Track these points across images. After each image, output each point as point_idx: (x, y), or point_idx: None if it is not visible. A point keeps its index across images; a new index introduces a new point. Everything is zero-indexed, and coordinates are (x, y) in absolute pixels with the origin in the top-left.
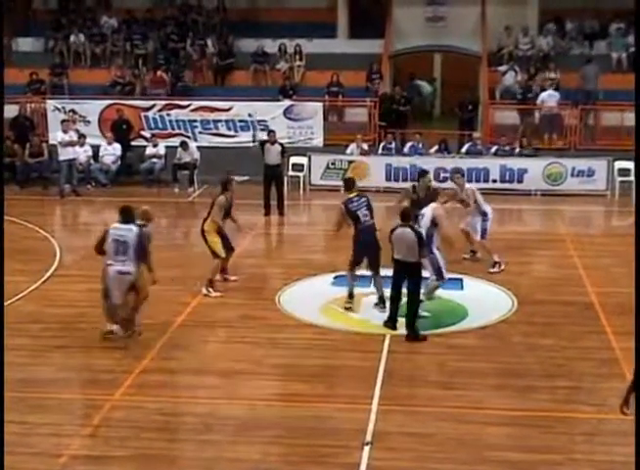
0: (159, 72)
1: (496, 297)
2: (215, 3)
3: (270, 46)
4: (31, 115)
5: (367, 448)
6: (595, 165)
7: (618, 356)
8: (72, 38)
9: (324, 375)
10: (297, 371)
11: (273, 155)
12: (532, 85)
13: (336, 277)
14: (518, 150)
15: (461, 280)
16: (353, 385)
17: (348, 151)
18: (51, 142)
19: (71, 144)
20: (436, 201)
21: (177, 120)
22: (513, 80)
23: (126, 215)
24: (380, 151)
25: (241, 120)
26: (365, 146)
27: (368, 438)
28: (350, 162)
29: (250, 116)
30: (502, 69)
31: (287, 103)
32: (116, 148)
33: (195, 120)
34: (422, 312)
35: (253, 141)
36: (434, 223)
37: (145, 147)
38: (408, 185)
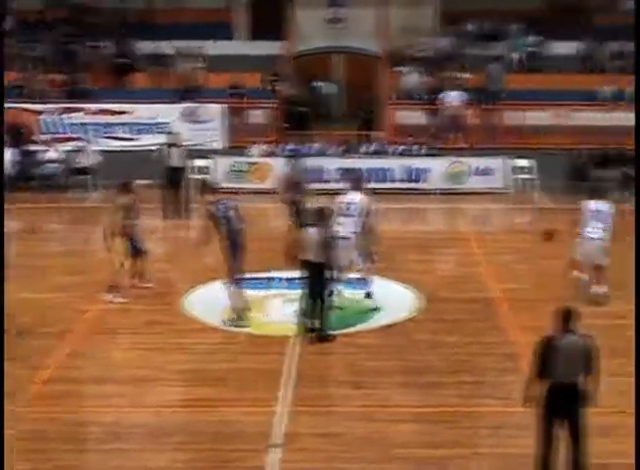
0: (55, 75)
1: (403, 295)
2: (112, 4)
3: (169, 48)
4: None
5: (274, 451)
6: (495, 164)
7: (520, 351)
8: None
9: (230, 379)
10: (202, 376)
11: (176, 158)
12: (434, 85)
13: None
14: (422, 150)
15: (367, 280)
16: (260, 387)
17: (251, 153)
18: None
19: None
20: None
21: (75, 124)
22: (413, 81)
23: None
24: (282, 152)
25: (141, 124)
26: (267, 148)
27: (276, 440)
28: (252, 163)
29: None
30: (403, 69)
31: (187, 105)
32: (13, 153)
33: (93, 124)
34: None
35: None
36: (364, 213)
37: (41, 152)
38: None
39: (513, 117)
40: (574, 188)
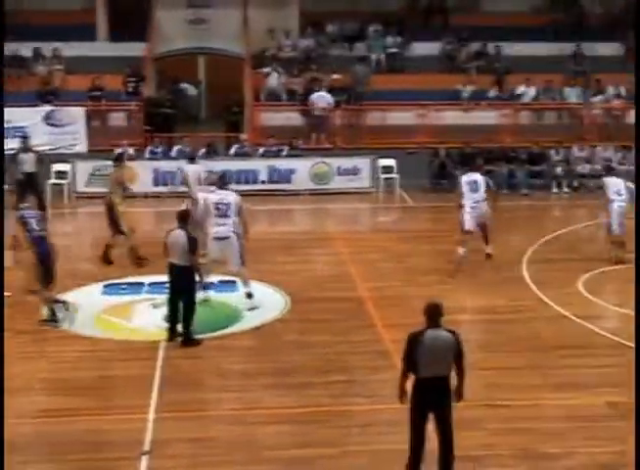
0: None
1: (270, 297)
2: None
3: (25, 50)
4: None
5: (145, 458)
6: (359, 164)
7: (389, 348)
8: None
9: (98, 387)
10: (70, 384)
11: (29, 163)
12: (299, 86)
13: (106, 286)
14: (284, 151)
15: (235, 282)
16: (129, 394)
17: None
18: None
19: None
20: None
21: None
22: (276, 82)
23: None
24: (147, 155)
25: None
26: (132, 151)
27: (146, 447)
28: None
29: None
30: (265, 70)
31: (47, 108)
32: None
33: None
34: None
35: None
36: (238, 212)
37: None
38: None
39: (376, 117)
40: (436, 187)
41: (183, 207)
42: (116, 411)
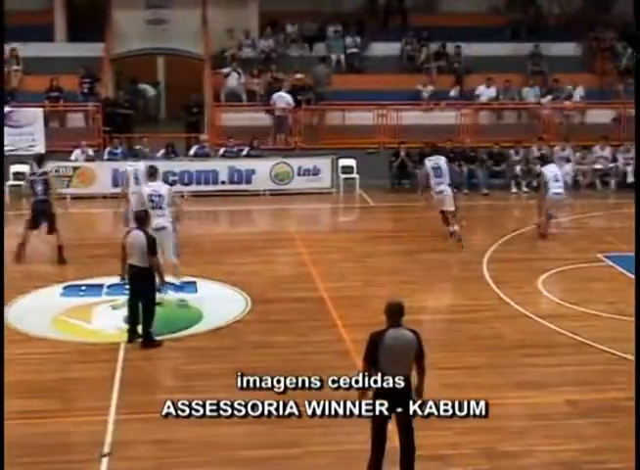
0: None
1: (230, 297)
2: None
3: None
4: None
5: (105, 460)
6: (320, 164)
7: (350, 348)
8: None
9: (59, 389)
10: (30, 387)
11: None
12: (255, 87)
13: (65, 288)
14: (244, 151)
15: (195, 283)
16: (90, 397)
17: (73, 157)
18: None
19: None
20: None
21: None
22: (236, 82)
23: None
24: (106, 156)
25: None
26: (90, 151)
27: (106, 449)
28: (76, 168)
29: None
30: (224, 71)
31: (5, 109)
32: None
33: None
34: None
35: None
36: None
37: None
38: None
39: (336, 117)
40: (396, 187)
41: (121, 209)
42: (77, 413)
